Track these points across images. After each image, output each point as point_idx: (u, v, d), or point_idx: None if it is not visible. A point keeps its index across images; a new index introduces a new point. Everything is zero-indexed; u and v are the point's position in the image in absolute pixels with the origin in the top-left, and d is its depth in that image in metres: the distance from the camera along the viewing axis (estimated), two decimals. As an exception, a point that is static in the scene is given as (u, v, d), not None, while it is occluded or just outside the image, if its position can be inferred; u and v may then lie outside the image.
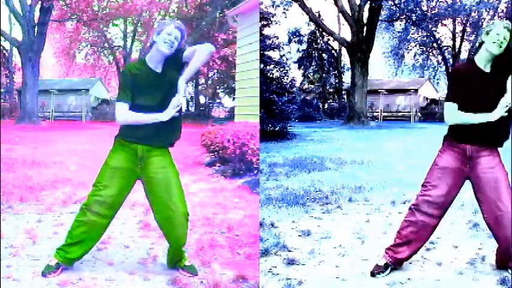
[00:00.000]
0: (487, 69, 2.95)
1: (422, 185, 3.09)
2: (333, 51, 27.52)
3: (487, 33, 2.91)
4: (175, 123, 3.00)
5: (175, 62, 2.97)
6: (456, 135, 3.00)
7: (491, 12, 23.64)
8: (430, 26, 24.08)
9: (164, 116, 2.86)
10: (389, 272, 3.06)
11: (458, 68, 3.09)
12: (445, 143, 3.06)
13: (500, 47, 2.86)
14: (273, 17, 13.80)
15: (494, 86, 2.89)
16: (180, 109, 2.96)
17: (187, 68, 2.90)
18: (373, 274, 3.04)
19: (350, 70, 21.02)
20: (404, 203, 5.07)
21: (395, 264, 3.11)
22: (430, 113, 24.25)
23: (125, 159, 2.98)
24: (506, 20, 2.99)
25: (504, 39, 2.86)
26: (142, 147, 2.97)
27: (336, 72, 27.73)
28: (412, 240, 3.07)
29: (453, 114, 2.93)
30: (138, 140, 2.96)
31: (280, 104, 12.56)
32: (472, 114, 2.88)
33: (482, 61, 2.95)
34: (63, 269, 3.05)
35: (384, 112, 24.50)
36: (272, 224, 4.24)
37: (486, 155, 2.94)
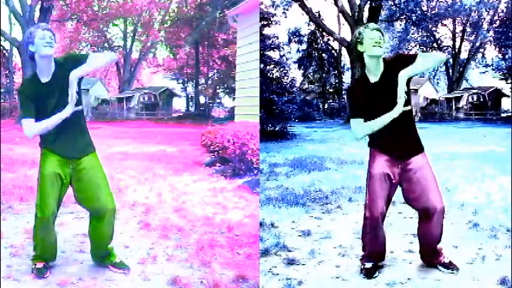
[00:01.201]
0: (376, 78, 2.94)
1: (368, 199, 3.08)
2: (333, 51, 27.53)
3: (361, 43, 2.91)
4: (85, 134, 3.16)
5: (65, 65, 2.95)
6: (380, 147, 3.04)
7: (491, 12, 23.68)
8: (430, 26, 24.11)
9: (64, 113, 2.88)
10: (379, 272, 3.09)
11: (350, 85, 3.20)
12: (373, 151, 3.08)
13: (380, 47, 2.87)
14: (273, 17, 13.82)
15: (388, 91, 2.87)
16: (82, 112, 3.07)
17: (82, 66, 2.90)
18: (369, 277, 3.04)
19: (350, 70, 21.04)
20: (404, 203, 5.06)
21: (379, 261, 3.18)
22: (430, 113, 24.27)
23: (57, 164, 3.07)
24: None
25: (380, 39, 2.87)
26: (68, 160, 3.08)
27: (336, 72, 27.75)
28: (380, 249, 3.17)
29: (359, 127, 2.97)
30: (59, 154, 3.06)
31: (280, 104, 12.57)
32: (376, 120, 2.90)
33: (370, 71, 2.95)
34: (50, 268, 3.12)
35: (384, 112, 24.46)
36: (272, 224, 4.24)
37: (416, 156, 3.00)
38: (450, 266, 3.09)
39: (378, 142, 3.04)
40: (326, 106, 26.93)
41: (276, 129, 13.04)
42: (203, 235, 4.09)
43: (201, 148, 9.04)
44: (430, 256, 3.17)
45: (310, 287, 2.93)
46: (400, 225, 4.22)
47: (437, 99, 25.39)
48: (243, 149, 6.99)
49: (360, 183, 6.21)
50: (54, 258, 3.21)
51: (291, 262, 3.30)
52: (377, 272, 3.08)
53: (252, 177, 6.74)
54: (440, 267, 3.11)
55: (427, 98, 25.43)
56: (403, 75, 2.81)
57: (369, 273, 3.05)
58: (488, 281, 2.95)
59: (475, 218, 4.39)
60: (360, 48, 2.93)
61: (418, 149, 3.04)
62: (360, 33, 2.92)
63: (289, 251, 3.53)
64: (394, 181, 3.03)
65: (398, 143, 2.97)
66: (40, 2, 18.47)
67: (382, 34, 2.91)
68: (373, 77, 2.95)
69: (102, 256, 3.23)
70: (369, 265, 3.10)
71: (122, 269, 3.15)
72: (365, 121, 2.95)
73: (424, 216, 3.07)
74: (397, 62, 2.91)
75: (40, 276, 3.00)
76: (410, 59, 2.86)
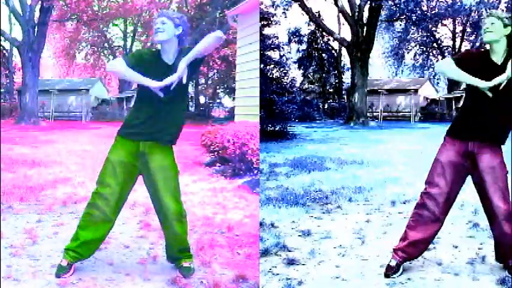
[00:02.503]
0: (499, 62, 2.93)
1: (426, 182, 3.10)
2: (333, 51, 27.52)
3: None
4: (177, 120, 3.02)
5: (183, 54, 2.93)
6: (456, 132, 3.02)
7: (491, 12, 23.61)
8: (430, 26, 24.12)
9: (154, 83, 2.80)
10: (402, 272, 3.06)
11: (472, 51, 3.14)
12: (447, 138, 3.07)
13: (489, 32, 2.89)
14: (273, 17, 13.80)
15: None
16: (184, 109, 2.98)
17: (191, 51, 2.86)
18: (387, 275, 3.02)
19: (350, 70, 21.04)
20: (404, 203, 5.07)
21: (408, 260, 3.13)
22: (430, 113, 24.26)
23: (126, 153, 2.97)
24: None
25: (491, 24, 2.90)
26: (144, 143, 2.96)
27: (336, 72, 27.73)
28: (420, 240, 3.08)
29: (447, 64, 2.96)
30: (138, 135, 2.95)
31: (280, 104, 12.55)
32: (464, 73, 2.88)
33: (492, 52, 2.96)
34: (75, 268, 3.06)
35: (384, 112, 24.50)
36: (272, 224, 4.24)
37: (487, 153, 2.94)
38: None
39: (456, 126, 3.03)
40: (326, 106, 26.90)
41: (276, 129, 13.03)
42: (203, 235, 4.09)
43: (201, 148, 9.04)
44: (503, 257, 3.10)
45: (310, 287, 2.93)
46: (400, 225, 4.22)
47: (437, 99, 25.39)
48: (243, 149, 6.99)
49: (360, 183, 6.22)
50: (83, 256, 3.06)
51: (291, 262, 3.30)
52: (398, 272, 3.03)
53: (252, 177, 6.74)
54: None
55: (427, 98, 25.43)
56: None
57: (388, 271, 3.03)
58: (488, 281, 2.95)
59: (475, 218, 4.39)
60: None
61: (494, 140, 2.97)
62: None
63: (289, 251, 3.53)
64: (462, 171, 3.00)
65: (478, 128, 2.93)
66: (40, 2, 18.47)
67: (499, 18, 2.91)
68: (496, 59, 2.94)
69: (173, 259, 3.19)
70: (393, 263, 3.07)
71: (184, 275, 3.06)
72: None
73: (489, 218, 3.04)
74: None
75: (58, 275, 2.95)
76: None
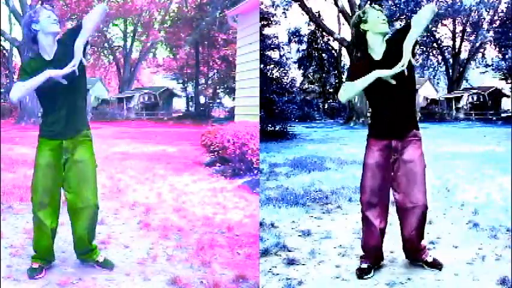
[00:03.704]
0: (378, 57, 2.95)
1: (360, 189, 3.09)
2: (333, 51, 27.52)
3: (365, 22, 2.94)
4: (81, 110, 3.08)
5: (65, 40, 2.98)
6: (376, 132, 3.05)
7: (491, 12, 23.66)
8: (430, 26, 24.09)
9: (56, 72, 2.84)
10: (374, 273, 3.07)
11: (352, 63, 3.16)
12: (370, 140, 3.08)
13: (387, 24, 2.92)
14: (273, 17, 13.82)
15: (391, 68, 2.86)
16: (86, 98, 3.08)
17: (82, 31, 2.91)
18: (360, 277, 3.03)
19: (350, 70, 21.03)
20: (404, 203, 5.07)
21: (376, 263, 3.16)
22: (430, 113, 24.26)
23: (51, 155, 3.03)
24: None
25: (386, 16, 2.95)
26: (66, 141, 3.02)
27: (336, 72, 27.73)
28: (374, 246, 3.13)
29: (346, 89, 2.97)
30: (54, 135, 3.02)
31: (280, 104, 12.56)
32: (359, 81, 2.90)
33: (374, 50, 2.97)
34: (46, 269, 3.08)
35: (384, 112, 24.47)
36: (272, 224, 4.24)
37: (409, 148, 3.00)
38: (434, 264, 3.11)
39: (374, 128, 3.07)
40: (326, 106, 26.92)
41: (276, 129, 13.04)
42: (203, 235, 4.09)
43: (201, 148, 9.04)
44: (414, 253, 3.19)
45: (310, 287, 2.93)
46: (400, 225, 4.22)
47: (437, 99, 25.41)
48: (243, 149, 6.99)
49: (360, 183, 6.22)
50: (49, 261, 3.14)
51: (291, 262, 3.30)
52: (371, 273, 3.05)
53: (252, 177, 6.74)
54: (424, 265, 3.14)
55: (427, 98, 25.44)
56: (407, 42, 2.82)
57: (361, 273, 3.04)
58: (488, 281, 2.95)
59: (475, 218, 4.39)
60: (363, 26, 2.96)
61: (413, 127, 3.04)
62: (364, 12, 2.97)
63: (289, 251, 3.53)
64: (388, 170, 3.02)
65: (393, 122, 2.97)
66: (40, 2, 18.47)
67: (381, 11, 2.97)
68: (376, 55, 2.97)
69: (83, 253, 3.22)
70: (364, 265, 3.09)
71: (108, 268, 3.15)
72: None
73: (403, 210, 3.07)
74: (397, 37, 2.93)
75: (31, 277, 2.98)
76: (407, 28, 2.88)
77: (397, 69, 2.81)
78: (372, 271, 3.07)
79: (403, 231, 3.15)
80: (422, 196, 2.99)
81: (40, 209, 3.02)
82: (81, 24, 2.97)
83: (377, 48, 2.96)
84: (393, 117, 2.98)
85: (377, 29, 2.93)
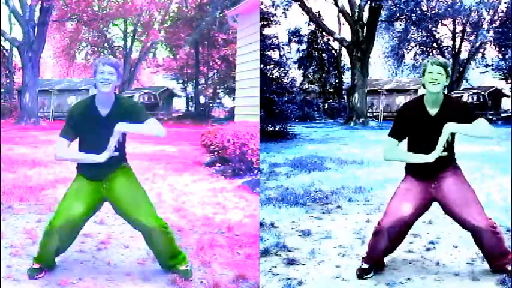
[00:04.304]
0: (433, 111, 2.94)
1: (387, 208, 3.05)
2: (333, 51, 27.51)
3: (423, 74, 2.93)
4: (119, 150, 3.00)
5: (123, 109, 2.97)
6: (413, 173, 3.05)
7: (491, 12, 23.67)
8: (430, 26, 24.11)
9: (100, 158, 2.89)
10: (374, 274, 3.06)
11: (406, 104, 3.12)
12: (407, 176, 3.10)
13: (437, 83, 2.86)
14: (273, 17, 13.81)
15: (437, 129, 2.86)
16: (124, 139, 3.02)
17: (132, 125, 2.90)
18: (360, 277, 3.03)
19: (350, 70, 21.04)
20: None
21: (377, 267, 3.12)
22: (430, 113, 24.21)
23: (88, 181, 3.02)
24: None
25: (439, 74, 2.86)
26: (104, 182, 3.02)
27: (336, 72, 27.72)
28: (381, 256, 3.12)
29: (391, 150, 3.02)
30: (92, 177, 3.00)
31: (280, 104, 12.55)
32: (409, 154, 2.96)
33: (428, 102, 2.97)
34: (46, 271, 3.06)
35: (384, 112, 24.50)
36: (272, 224, 4.24)
37: (449, 176, 2.97)
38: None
39: (410, 169, 3.07)
40: (326, 106, 26.89)
41: (276, 129, 13.03)
42: (203, 235, 4.09)
43: (201, 148, 9.04)
44: (497, 265, 3.08)
45: (310, 287, 2.93)
46: (400, 225, 4.22)
47: (437, 99, 25.35)
48: (243, 149, 6.99)
49: (360, 183, 6.22)
50: (49, 267, 3.11)
51: (291, 262, 3.30)
52: (370, 274, 3.05)
53: (252, 177, 6.74)
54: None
55: (427, 98, 25.40)
56: (450, 127, 2.83)
57: (361, 273, 3.04)
58: (488, 281, 2.95)
59: (475, 218, 4.38)
60: (423, 80, 2.95)
61: (448, 167, 2.99)
62: (424, 65, 2.94)
63: (289, 251, 3.53)
64: (422, 200, 2.98)
65: (430, 168, 2.95)
66: (40, 2, 18.47)
67: (446, 68, 2.88)
68: (430, 108, 2.95)
69: (167, 267, 3.16)
70: (365, 266, 3.09)
71: (184, 278, 3.03)
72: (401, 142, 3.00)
73: (473, 235, 3.03)
74: (459, 108, 2.92)
75: (31, 276, 2.98)
76: (469, 117, 2.87)
77: (430, 158, 2.85)
78: (372, 272, 3.07)
79: (483, 251, 3.09)
80: (478, 217, 2.91)
81: (57, 232, 2.94)
82: (144, 116, 2.96)
83: (431, 102, 2.94)
84: (430, 166, 2.93)
85: (427, 87, 2.91)
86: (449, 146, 2.92)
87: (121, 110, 2.95)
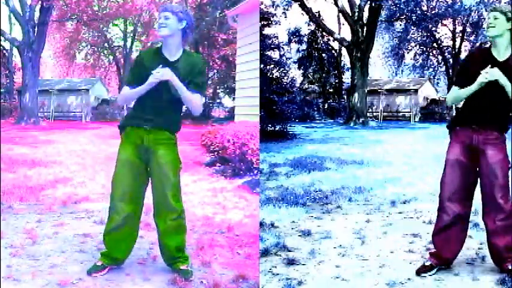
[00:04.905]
0: (501, 58, 2.95)
1: (440, 184, 3.10)
2: (333, 51, 27.50)
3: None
4: (176, 107, 3.05)
5: (191, 59, 3.02)
6: (459, 121, 3.06)
7: (491, 12, 23.61)
8: (430, 26, 24.10)
9: (151, 79, 2.87)
10: (436, 271, 3.06)
11: (472, 52, 3.15)
12: (452, 135, 3.11)
13: (492, 28, 2.91)
14: (273, 17, 13.80)
15: (505, 75, 2.87)
16: (180, 100, 2.98)
17: (180, 83, 2.90)
18: (418, 273, 3.03)
19: (350, 70, 21.03)
20: (404, 203, 5.07)
21: (442, 265, 3.11)
22: (430, 113, 24.24)
23: (132, 152, 3.02)
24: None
25: (495, 19, 2.91)
26: (148, 137, 2.99)
27: (336, 72, 27.71)
28: (448, 243, 3.09)
29: (453, 94, 3.09)
30: (141, 122, 2.99)
31: (280, 104, 12.55)
32: (467, 89, 2.97)
33: (494, 49, 2.99)
34: (109, 269, 3.08)
35: (384, 112, 24.49)
36: (272, 224, 4.24)
37: (490, 149, 2.96)
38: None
39: (459, 117, 3.09)
40: (326, 106, 26.88)
41: (276, 129, 13.03)
42: (203, 235, 4.09)
43: (201, 148, 9.04)
44: (497, 258, 3.09)
45: (310, 287, 2.93)
46: (400, 225, 4.22)
47: (437, 99, 25.36)
48: (243, 149, 6.99)
49: (360, 183, 6.22)
50: (117, 260, 3.12)
51: (291, 262, 3.30)
52: (432, 271, 3.04)
53: (252, 177, 6.74)
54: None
55: (427, 98, 25.41)
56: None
57: (420, 270, 3.05)
58: (488, 281, 2.95)
59: (475, 218, 4.38)
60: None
61: (498, 128, 2.98)
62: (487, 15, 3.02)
63: (289, 251, 3.53)
64: (471, 168, 3.01)
65: (483, 115, 2.96)
66: (40, 2, 18.46)
67: (503, 12, 2.90)
68: (497, 54, 2.96)
69: (170, 259, 3.16)
70: (428, 263, 3.09)
71: (184, 278, 3.01)
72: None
73: (486, 213, 3.06)
74: None
75: (89, 272, 3.01)
76: None
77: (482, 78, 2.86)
78: (435, 270, 3.05)
79: (496, 236, 3.07)
80: (504, 201, 2.95)
81: (121, 201, 3.00)
82: (198, 74, 2.99)
83: (498, 48, 2.95)
84: (482, 110, 2.96)
85: (486, 32, 2.97)
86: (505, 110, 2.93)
87: (188, 58, 2.99)
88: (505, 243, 3.00)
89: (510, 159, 3.01)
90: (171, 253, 3.14)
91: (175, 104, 3.03)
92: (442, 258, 3.10)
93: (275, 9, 17.68)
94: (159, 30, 2.95)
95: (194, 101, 2.97)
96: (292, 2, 19.20)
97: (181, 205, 3.11)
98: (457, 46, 25.82)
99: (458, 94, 3.03)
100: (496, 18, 2.91)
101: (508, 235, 2.99)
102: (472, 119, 3.00)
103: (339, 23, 26.31)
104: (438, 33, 26.14)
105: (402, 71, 30.63)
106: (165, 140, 3.05)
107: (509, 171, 2.99)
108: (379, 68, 32.22)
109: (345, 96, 25.62)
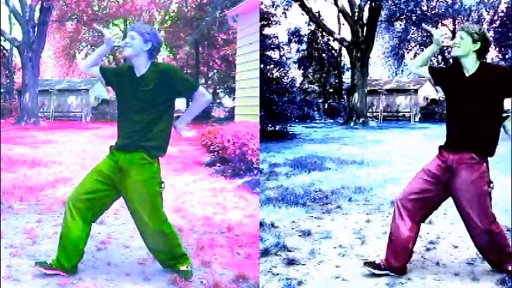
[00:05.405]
0: (468, 73, 2.95)
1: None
2: (333, 51, 27.50)
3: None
4: (153, 127, 2.94)
5: (158, 70, 3.01)
6: (445, 143, 3.05)
7: (491, 12, 23.68)
8: (430, 26, 24.10)
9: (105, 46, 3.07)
10: (384, 274, 3.05)
11: (458, 61, 3.11)
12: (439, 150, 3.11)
13: (458, 47, 2.92)
14: (273, 17, 13.81)
15: (473, 91, 2.89)
16: (165, 126, 3.00)
17: (185, 115, 3.05)
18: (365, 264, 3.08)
19: (350, 70, 21.03)
20: (404, 203, 5.06)
21: (395, 272, 3.08)
22: (430, 113, 24.24)
23: (107, 166, 3.00)
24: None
25: (461, 38, 2.92)
26: (123, 157, 2.94)
27: (336, 72, 27.72)
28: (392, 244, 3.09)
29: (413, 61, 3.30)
30: (119, 144, 3.00)
31: (280, 104, 12.55)
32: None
33: (462, 66, 3.00)
34: (57, 273, 3.03)
35: (384, 112, 24.50)
36: (272, 224, 4.24)
37: (464, 169, 2.91)
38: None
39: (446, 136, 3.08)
40: (326, 106, 26.88)
41: (276, 129, 13.03)
42: (203, 235, 4.09)
43: (201, 148, 9.04)
44: (496, 263, 3.10)
45: (310, 287, 2.93)
46: (400, 225, 4.22)
47: (437, 99, 25.37)
48: (243, 149, 6.99)
49: (360, 183, 6.22)
50: (71, 265, 3.05)
51: (291, 262, 3.30)
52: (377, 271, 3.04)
53: (252, 177, 6.74)
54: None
55: (427, 98, 25.42)
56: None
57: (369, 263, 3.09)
58: (488, 281, 2.95)
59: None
60: None
61: (475, 150, 2.92)
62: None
63: (289, 251, 3.53)
64: (439, 183, 2.98)
65: (458, 136, 2.96)
66: (40, 2, 18.46)
67: (470, 33, 2.90)
68: (466, 71, 2.97)
69: (168, 266, 3.16)
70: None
71: (185, 278, 3.01)
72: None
73: (469, 231, 3.06)
74: (497, 74, 2.91)
75: (37, 264, 3.01)
76: (505, 77, 2.88)
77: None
78: (384, 272, 3.05)
79: (486, 249, 3.09)
80: (479, 220, 2.92)
81: (76, 203, 2.98)
82: (174, 79, 2.96)
83: (465, 65, 2.96)
84: (458, 130, 2.97)
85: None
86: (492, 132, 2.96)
87: (156, 70, 2.99)
88: (493, 258, 3.07)
89: (491, 180, 2.97)
90: (166, 262, 3.15)
91: (152, 125, 2.93)
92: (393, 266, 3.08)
93: (275, 9, 17.70)
94: (123, 49, 2.97)
95: (198, 101, 2.99)
96: (292, 2, 19.20)
97: (159, 224, 3.02)
98: (457, 46, 25.80)
99: (417, 57, 3.20)
100: (462, 38, 2.91)
101: (493, 252, 3.03)
102: (449, 138, 3.01)
103: (339, 23, 26.32)
104: (438, 33, 26.13)
105: (402, 71, 30.65)
106: (139, 160, 2.93)
107: (489, 191, 2.94)
108: (379, 68, 32.26)
109: (345, 96, 25.63)
